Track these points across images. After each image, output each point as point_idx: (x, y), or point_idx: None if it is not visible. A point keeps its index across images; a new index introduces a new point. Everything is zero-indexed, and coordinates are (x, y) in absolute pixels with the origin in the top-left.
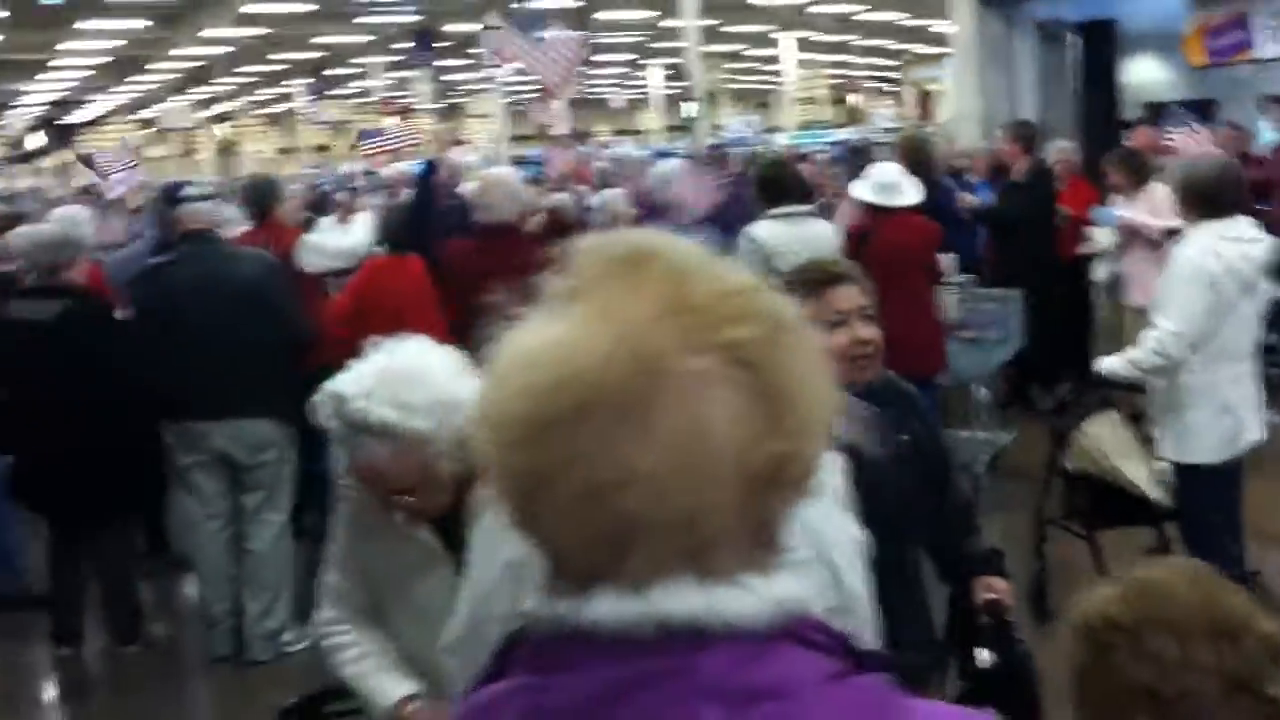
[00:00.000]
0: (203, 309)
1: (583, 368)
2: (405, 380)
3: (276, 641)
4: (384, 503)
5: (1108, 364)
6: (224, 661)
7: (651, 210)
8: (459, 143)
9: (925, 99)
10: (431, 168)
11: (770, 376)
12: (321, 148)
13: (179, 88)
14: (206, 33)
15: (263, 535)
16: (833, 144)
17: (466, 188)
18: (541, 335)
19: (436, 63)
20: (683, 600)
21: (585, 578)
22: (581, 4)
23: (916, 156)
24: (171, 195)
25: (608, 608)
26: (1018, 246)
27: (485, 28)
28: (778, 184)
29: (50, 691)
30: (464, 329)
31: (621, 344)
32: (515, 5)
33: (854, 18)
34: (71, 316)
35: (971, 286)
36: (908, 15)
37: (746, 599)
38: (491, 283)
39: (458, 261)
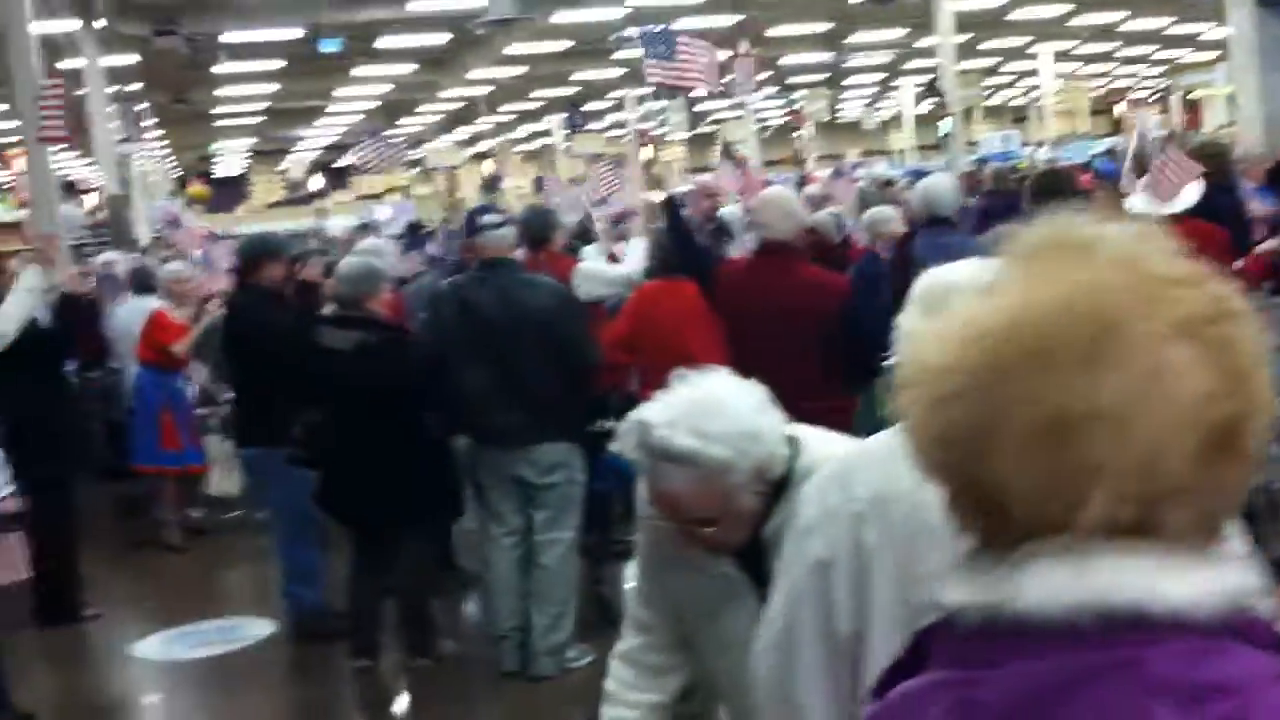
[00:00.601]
0: (499, 333)
1: (1039, 317)
2: (707, 410)
3: (561, 657)
4: (685, 535)
5: None
6: (511, 677)
7: (917, 225)
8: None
9: (1193, 106)
10: (677, 198)
11: (1223, 350)
12: (575, 180)
13: (444, 128)
14: (471, 74)
15: (552, 552)
16: (1099, 155)
17: (728, 210)
18: (985, 301)
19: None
20: (1127, 578)
21: (1027, 535)
22: (833, 26)
23: (1215, 164)
24: (471, 223)
25: (1043, 587)
26: None
27: (736, 55)
28: (1054, 192)
29: (347, 702)
30: (742, 350)
31: (1076, 301)
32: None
33: (1117, 28)
34: (368, 346)
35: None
36: (1174, 20)
37: (1194, 586)
38: (768, 301)
39: (733, 281)
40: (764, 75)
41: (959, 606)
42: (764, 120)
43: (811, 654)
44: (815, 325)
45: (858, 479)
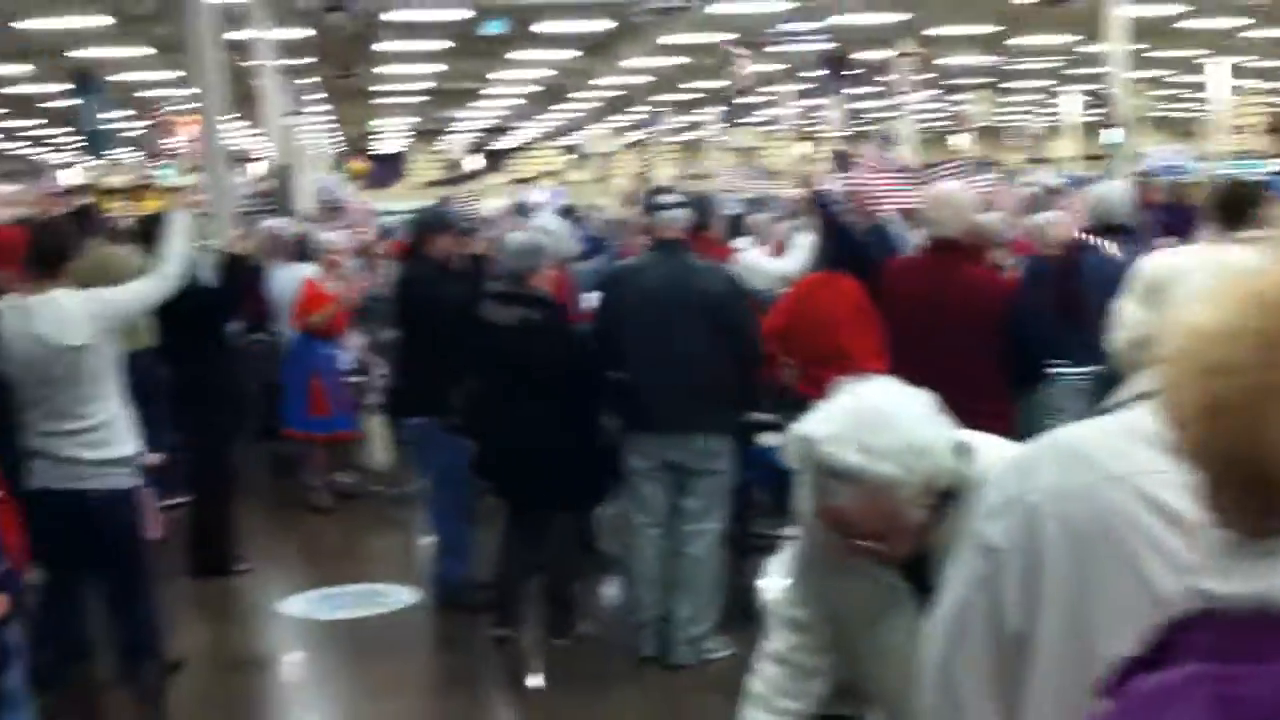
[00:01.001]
0: (664, 316)
1: None
2: (873, 424)
3: (700, 647)
4: (849, 548)
5: None
6: (649, 662)
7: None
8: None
9: None
10: (827, 194)
11: None
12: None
13: (599, 115)
14: (627, 63)
15: (699, 543)
16: (1274, 173)
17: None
18: (1259, 274)
19: (846, 90)
20: None
21: None
22: (998, 29)
23: None
24: (649, 203)
25: None
26: None
27: (899, 54)
28: (1243, 205)
29: (485, 673)
30: (904, 348)
31: None
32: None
33: None
34: (531, 324)
35: None
36: None
37: None
38: (935, 300)
39: (899, 278)
40: (925, 76)
41: (1218, 598)
42: (923, 122)
43: (976, 646)
44: (982, 326)
45: (1041, 470)
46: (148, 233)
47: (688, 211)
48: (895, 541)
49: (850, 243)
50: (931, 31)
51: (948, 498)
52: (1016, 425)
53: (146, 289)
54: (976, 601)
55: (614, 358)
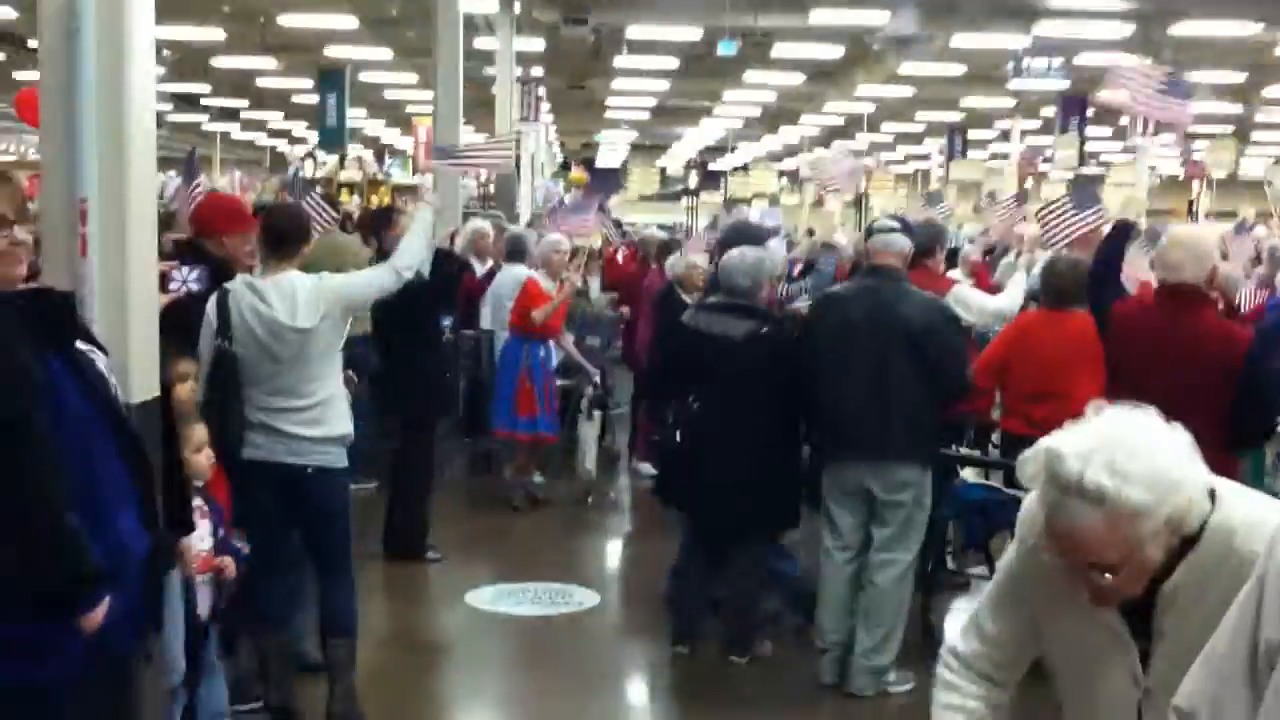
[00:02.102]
0: (868, 343)
1: None
2: (1128, 448)
3: (881, 678)
4: (1078, 576)
5: None
6: (828, 689)
7: None
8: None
9: None
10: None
11: None
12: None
13: (823, 140)
14: (858, 90)
15: (887, 573)
16: None
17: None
18: None
19: (1081, 129)
20: None
21: None
22: (1248, 77)
23: None
24: (869, 227)
25: None
26: None
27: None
28: None
29: (660, 687)
30: (1129, 394)
31: None
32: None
33: None
34: (759, 337)
35: None
36: None
37: None
38: (1167, 346)
39: (1131, 321)
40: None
41: None
42: (1156, 168)
43: (1234, 663)
44: (1215, 377)
45: None
46: (376, 225)
47: (906, 239)
48: (1127, 578)
49: (1112, 279)
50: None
51: (1188, 543)
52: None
53: (375, 278)
54: (1234, 621)
55: (816, 380)
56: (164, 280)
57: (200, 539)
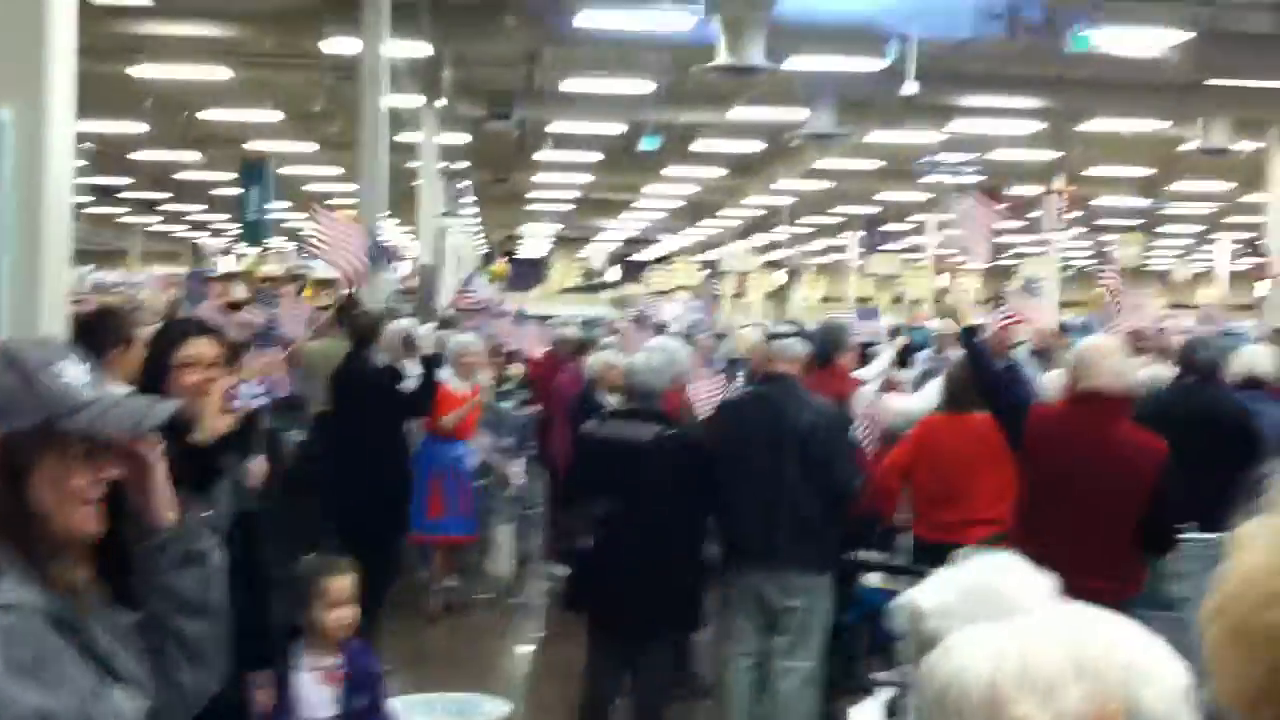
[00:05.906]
0: (760, 449)
1: None
2: (988, 602)
3: None
4: None
5: None
6: None
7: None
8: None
9: None
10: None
11: None
12: (863, 299)
13: (741, 233)
14: (779, 184)
15: (788, 680)
16: None
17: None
18: None
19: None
20: None
21: None
22: (1155, 172)
23: None
24: (768, 333)
25: None
26: None
27: (1048, 191)
28: None
29: None
30: (1037, 501)
31: None
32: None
33: None
34: (666, 441)
35: None
36: None
37: None
38: (1079, 455)
39: (1042, 428)
40: (1075, 214)
41: None
42: (1068, 261)
43: None
44: (1130, 487)
45: None
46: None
47: (802, 345)
48: None
49: (995, 379)
50: (1087, 172)
51: None
52: (1133, 598)
53: None
54: None
55: (718, 487)
56: None
57: None
